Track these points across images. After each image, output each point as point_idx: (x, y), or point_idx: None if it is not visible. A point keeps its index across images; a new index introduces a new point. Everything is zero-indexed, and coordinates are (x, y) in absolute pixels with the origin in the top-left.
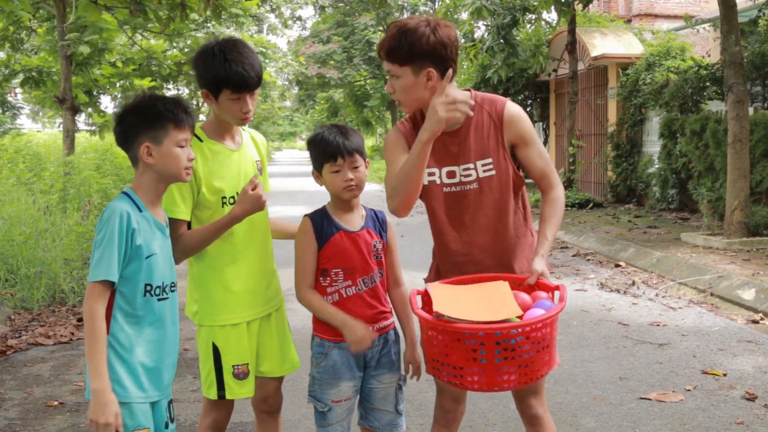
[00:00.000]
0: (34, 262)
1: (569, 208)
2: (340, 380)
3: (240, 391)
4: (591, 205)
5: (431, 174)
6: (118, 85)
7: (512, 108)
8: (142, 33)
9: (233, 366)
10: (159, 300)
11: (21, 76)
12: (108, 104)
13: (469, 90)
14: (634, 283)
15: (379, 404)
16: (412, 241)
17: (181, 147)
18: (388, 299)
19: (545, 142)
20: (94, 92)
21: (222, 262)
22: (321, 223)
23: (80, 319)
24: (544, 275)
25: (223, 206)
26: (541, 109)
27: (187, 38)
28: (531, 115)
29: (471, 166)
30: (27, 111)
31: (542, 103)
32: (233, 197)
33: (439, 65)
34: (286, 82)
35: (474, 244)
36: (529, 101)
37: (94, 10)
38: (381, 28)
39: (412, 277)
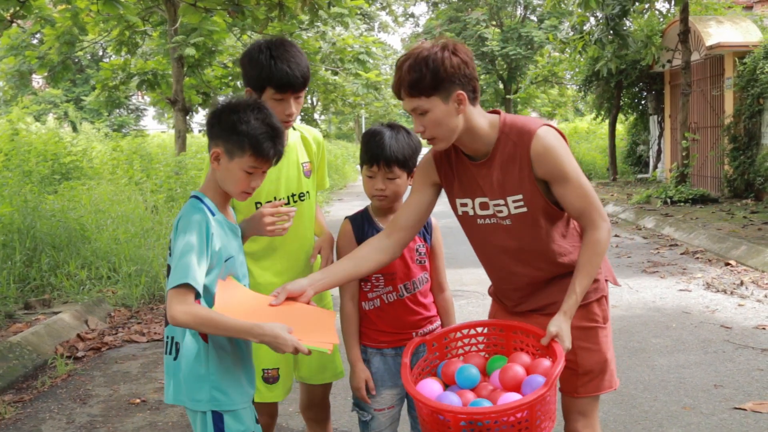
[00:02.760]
0: (135, 261)
1: (682, 204)
2: (381, 388)
3: (268, 395)
4: (703, 201)
5: (464, 205)
6: (229, 86)
7: (541, 142)
8: (250, 35)
9: (263, 369)
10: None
11: (137, 79)
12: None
13: (498, 112)
14: (742, 283)
15: None
16: (457, 241)
17: (249, 173)
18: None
19: (660, 136)
20: (210, 93)
21: (260, 265)
22: (361, 226)
23: None
24: (559, 337)
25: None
26: (656, 101)
27: (297, 39)
28: (645, 108)
29: (501, 202)
30: (153, 113)
31: (657, 95)
32: (270, 203)
33: (467, 86)
34: None
35: (511, 282)
36: (643, 93)
37: (194, 12)
38: (494, 22)
39: (459, 276)
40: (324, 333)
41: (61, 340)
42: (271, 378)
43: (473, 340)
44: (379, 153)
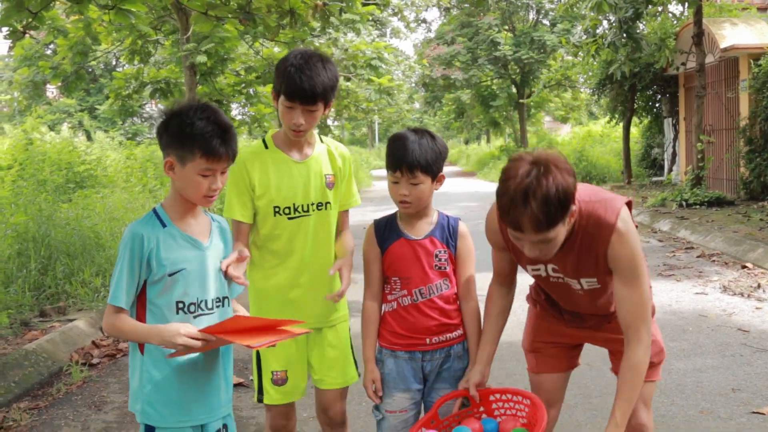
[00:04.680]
0: None
1: (698, 207)
2: (393, 390)
3: (277, 397)
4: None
5: (536, 269)
6: (241, 93)
7: (622, 240)
8: (262, 42)
9: (272, 371)
10: (195, 317)
11: (150, 88)
12: (235, 111)
13: (573, 203)
14: (759, 285)
15: None
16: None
17: (205, 176)
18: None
19: (674, 139)
20: (223, 101)
21: (273, 268)
22: (384, 228)
23: None
24: None
25: (275, 215)
26: (670, 104)
27: (308, 45)
28: (660, 111)
29: (575, 281)
30: None
31: (671, 98)
32: (288, 208)
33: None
34: (413, 85)
35: (576, 311)
36: (658, 96)
37: (205, 21)
38: (506, 27)
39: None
40: (274, 334)
41: (76, 347)
42: (279, 380)
43: (518, 405)
44: (402, 158)
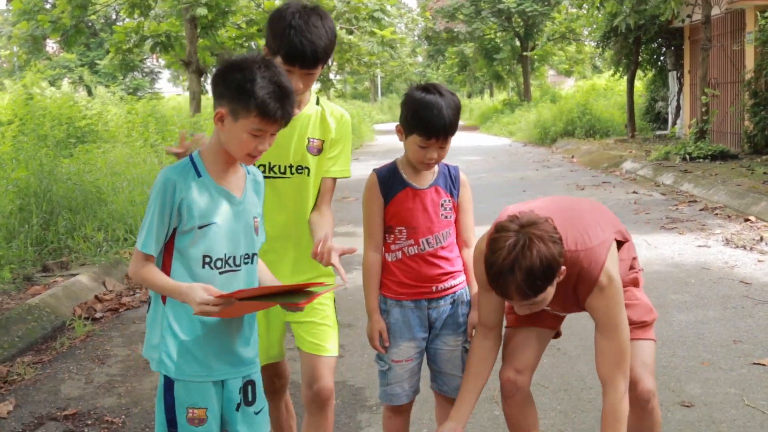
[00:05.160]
0: None
1: (701, 160)
2: (399, 339)
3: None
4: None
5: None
6: (243, 47)
7: (602, 292)
8: None
9: None
10: (221, 273)
11: (150, 42)
12: None
13: (559, 267)
14: (762, 238)
15: (445, 367)
16: (476, 199)
17: (254, 136)
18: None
19: (679, 92)
20: (224, 54)
21: None
22: (388, 178)
23: None
24: None
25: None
26: (675, 57)
27: None
28: (664, 64)
29: (548, 309)
30: (167, 75)
31: (676, 51)
32: (263, 166)
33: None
34: (416, 38)
35: None
36: (662, 49)
37: None
38: None
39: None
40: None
41: (79, 302)
42: None
43: None
44: (439, 127)
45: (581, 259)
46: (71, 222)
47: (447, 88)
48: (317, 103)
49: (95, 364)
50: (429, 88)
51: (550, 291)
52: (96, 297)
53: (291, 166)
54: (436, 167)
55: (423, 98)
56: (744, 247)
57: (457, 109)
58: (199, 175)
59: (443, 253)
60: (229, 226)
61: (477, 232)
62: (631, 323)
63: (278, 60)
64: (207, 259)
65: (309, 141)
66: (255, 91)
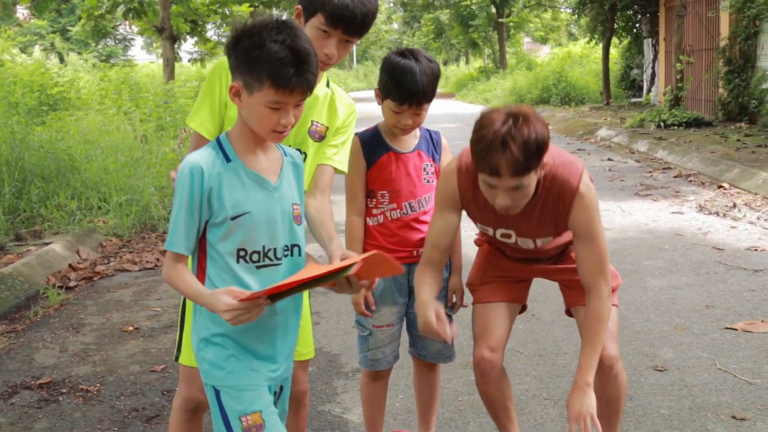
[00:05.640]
0: (126, 190)
1: (676, 128)
2: (380, 305)
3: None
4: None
5: (485, 228)
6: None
7: (583, 203)
8: None
9: None
10: (259, 267)
11: (123, 8)
12: (210, 32)
13: (545, 152)
14: (735, 205)
15: None
16: None
17: (273, 109)
18: None
19: (654, 59)
20: (198, 21)
21: None
22: (370, 142)
23: None
24: (582, 416)
25: None
26: (651, 24)
27: None
28: (640, 31)
29: (530, 241)
30: (141, 42)
31: (651, 18)
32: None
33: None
34: (392, 4)
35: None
36: (638, 16)
37: None
38: None
39: None
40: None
41: (52, 271)
42: None
43: None
44: (412, 93)
45: (560, 173)
46: (44, 190)
47: (426, 54)
48: (327, 85)
49: (69, 333)
50: (406, 53)
51: (533, 181)
52: (70, 266)
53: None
54: (418, 131)
55: (398, 63)
56: (717, 214)
57: (433, 76)
58: (228, 159)
59: (425, 218)
60: (266, 215)
61: None
62: None
63: (315, 21)
64: (242, 253)
65: (312, 124)
66: (264, 58)
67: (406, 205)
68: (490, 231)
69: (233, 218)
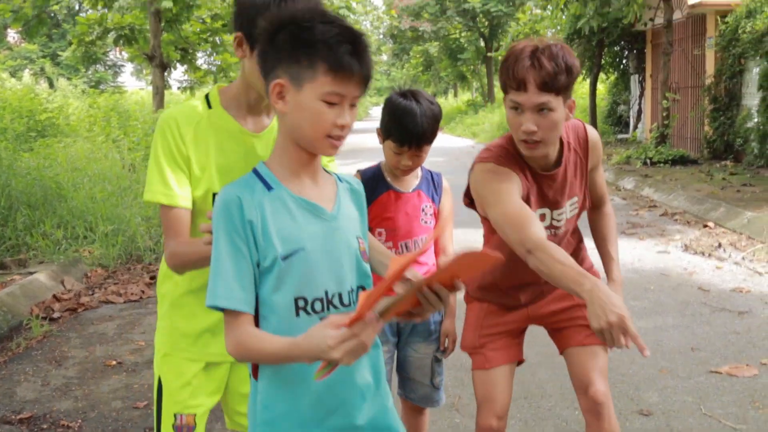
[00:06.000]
0: (112, 220)
1: (662, 165)
2: None
3: None
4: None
5: (541, 213)
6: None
7: (592, 132)
8: None
9: (175, 415)
10: (323, 319)
11: (114, 34)
12: (201, 60)
13: (573, 85)
14: (720, 245)
15: (413, 374)
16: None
17: (330, 104)
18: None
19: (640, 96)
20: (189, 49)
21: (194, 282)
22: (371, 179)
23: (152, 277)
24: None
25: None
26: (637, 60)
27: None
28: (626, 68)
29: (563, 209)
30: (131, 69)
31: (638, 54)
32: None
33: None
34: (381, 36)
35: (536, 278)
36: (625, 52)
37: None
38: None
39: (464, 234)
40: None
41: (36, 301)
42: (184, 427)
43: None
44: (412, 135)
45: (570, 128)
46: (30, 218)
47: (428, 96)
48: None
49: (52, 366)
50: (407, 94)
51: (560, 111)
52: (54, 296)
53: None
54: (420, 172)
55: (399, 104)
56: (703, 254)
57: (434, 118)
58: (269, 187)
59: (420, 259)
60: (325, 251)
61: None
62: (589, 327)
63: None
64: (301, 303)
65: None
66: (316, 40)
67: (402, 244)
68: (547, 216)
69: (285, 258)
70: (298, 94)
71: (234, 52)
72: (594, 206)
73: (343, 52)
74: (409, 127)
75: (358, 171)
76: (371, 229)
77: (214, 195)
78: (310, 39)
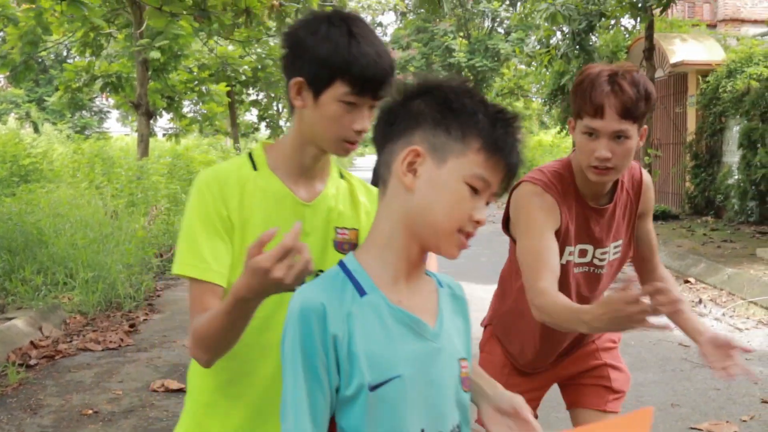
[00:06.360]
0: (93, 266)
1: None
2: None
3: None
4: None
5: (570, 253)
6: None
7: (647, 177)
8: (216, 40)
9: None
10: None
11: (101, 82)
12: (187, 108)
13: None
14: (701, 301)
15: None
16: (480, 250)
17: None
18: None
19: None
20: (175, 97)
21: (223, 374)
22: None
23: (132, 325)
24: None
25: None
26: None
27: (263, 45)
28: None
29: (607, 249)
30: (116, 115)
31: None
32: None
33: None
34: None
35: (566, 336)
36: None
37: (160, 16)
38: (461, 33)
39: (482, 291)
40: None
41: (13, 347)
42: None
43: None
44: None
45: (628, 169)
46: (10, 263)
47: None
48: (341, 176)
49: (27, 414)
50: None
51: (634, 139)
52: (32, 343)
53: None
54: None
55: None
56: None
57: None
58: (362, 292)
59: None
60: (425, 380)
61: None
62: (613, 391)
63: (335, 93)
64: None
65: (337, 234)
66: (474, 110)
67: None
68: (570, 249)
69: (374, 387)
70: (436, 168)
71: (291, 99)
72: (644, 261)
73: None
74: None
75: None
76: None
77: None
78: (463, 109)
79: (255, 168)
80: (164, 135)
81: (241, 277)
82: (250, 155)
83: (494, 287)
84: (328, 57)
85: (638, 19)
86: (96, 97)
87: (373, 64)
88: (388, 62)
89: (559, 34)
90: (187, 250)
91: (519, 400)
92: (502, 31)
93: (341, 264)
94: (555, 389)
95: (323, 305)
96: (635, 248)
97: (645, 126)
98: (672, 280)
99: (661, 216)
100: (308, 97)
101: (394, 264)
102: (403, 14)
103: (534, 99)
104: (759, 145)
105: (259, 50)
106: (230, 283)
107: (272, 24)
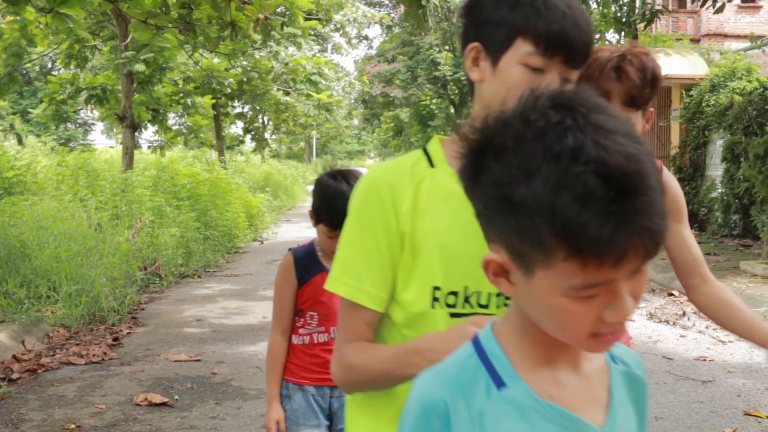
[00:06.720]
0: (76, 280)
1: None
2: (301, 427)
3: None
4: None
5: None
6: (179, 103)
7: (668, 173)
8: (202, 53)
9: None
10: None
11: (86, 94)
12: (172, 121)
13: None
14: (684, 313)
15: None
16: None
17: (533, 69)
18: None
19: None
20: (160, 110)
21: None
22: (304, 259)
23: (115, 339)
24: None
25: (432, 306)
26: None
27: (249, 58)
28: None
29: None
30: (101, 127)
31: None
32: (455, 294)
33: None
34: (353, 101)
35: None
36: None
37: (145, 29)
38: (447, 47)
39: None
40: None
41: None
42: None
43: None
44: (343, 219)
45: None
46: None
47: (360, 173)
48: None
49: (8, 429)
50: (337, 175)
51: (639, 123)
52: (14, 356)
53: (498, 294)
54: None
55: (329, 186)
56: (667, 322)
57: None
58: (500, 383)
59: None
60: None
61: None
62: None
63: (517, 55)
64: None
65: None
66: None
67: (334, 329)
68: None
69: None
70: (527, 281)
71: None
72: (689, 274)
73: (530, 13)
74: (340, 211)
75: (290, 250)
76: (303, 312)
77: (434, 290)
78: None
79: (432, 165)
80: (149, 147)
81: (437, 334)
82: (425, 150)
83: None
84: (508, 12)
85: (622, 33)
86: (81, 109)
87: (562, 17)
88: (582, 17)
89: None
90: (341, 263)
91: None
92: None
93: (475, 343)
94: None
95: (446, 404)
96: (672, 260)
97: (651, 109)
98: (735, 298)
99: None
100: (486, 67)
101: (541, 340)
102: (389, 28)
103: None
104: (742, 158)
105: (244, 63)
106: (394, 300)
107: (257, 37)
